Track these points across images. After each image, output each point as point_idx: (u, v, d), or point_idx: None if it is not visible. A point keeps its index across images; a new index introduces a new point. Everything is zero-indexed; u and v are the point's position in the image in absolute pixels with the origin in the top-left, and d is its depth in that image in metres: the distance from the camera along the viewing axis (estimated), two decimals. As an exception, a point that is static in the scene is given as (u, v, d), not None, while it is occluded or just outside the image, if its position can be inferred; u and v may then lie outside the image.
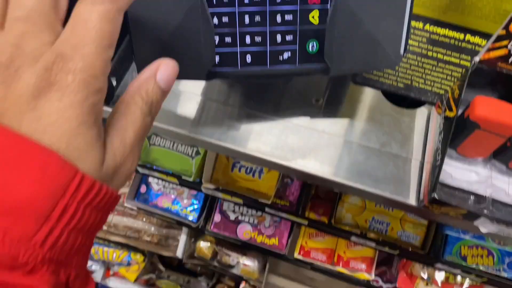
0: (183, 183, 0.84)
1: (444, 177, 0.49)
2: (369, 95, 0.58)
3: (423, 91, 0.56)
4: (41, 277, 0.24)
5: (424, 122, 0.56)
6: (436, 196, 0.45)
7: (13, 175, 0.23)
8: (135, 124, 0.29)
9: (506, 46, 0.41)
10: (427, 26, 0.54)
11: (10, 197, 0.23)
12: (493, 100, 0.42)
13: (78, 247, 0.26)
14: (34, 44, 0.25)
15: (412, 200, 0.50)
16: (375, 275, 1.05)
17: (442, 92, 0.55)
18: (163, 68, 0.30)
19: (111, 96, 0.55)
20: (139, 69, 0.43)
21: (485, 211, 0.48)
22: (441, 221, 0.52)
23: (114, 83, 0.55)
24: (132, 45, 0.41)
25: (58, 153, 0.24)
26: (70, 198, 0.24)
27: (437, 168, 0.46)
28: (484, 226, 0.47)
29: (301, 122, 0.55)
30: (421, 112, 0.56)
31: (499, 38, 0.40)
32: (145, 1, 0.38)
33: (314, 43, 0.42)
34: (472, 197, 0.49)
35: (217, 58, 0.42)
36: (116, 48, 0.59)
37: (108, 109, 0.55)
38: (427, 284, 0.95)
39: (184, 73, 0.41)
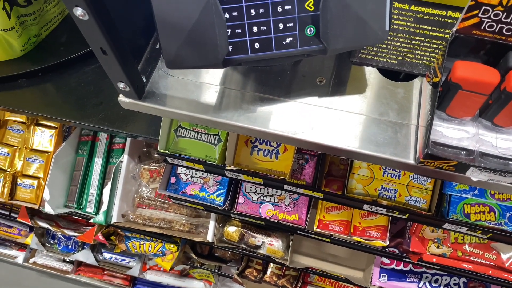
0: (208, 169, 0.90)
1: (436, 136, 0.54)
2: (367, 74, 0.63)
3: (415, 64, 0.61)
4: None
5: (418, 92, 0.60)
6: (429, 151, 0.50)
7: None
8: None
9: (477, 15, 0.46)
10: (413, 7, 0.58)
11: None
12: (471, 63, 0.47)
13: None
14: None
15: (410, 159, 0.55)
16: (392, 247, 1.09)
17: (431, 64, 0.59)
18: None
19: (142, 91, 0.61)
20: (167, 63, 0.48)
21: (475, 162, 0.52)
22: (438, 177, 0.56)
23: (144, 80, 0.61)
24: (160, 44, 0.47)
25: None
26: None
27: (428, 128, 0.51)
28: (474, 176, 0.52)
29: (309, 101, 0.60)
30: (415, 84, 0.61)
31: (470, 8, 0.45)
32: (167, 3, 0.44)
33: (312, 27, 0.47)
34: (462, 152, 0.54)
35: (230, 48, 0.48)
36: (143, 50, 0.66)
37: (139, 103, 0.61)
38: (438, 246, 0.99)
39: (203, 63, 0.47)
